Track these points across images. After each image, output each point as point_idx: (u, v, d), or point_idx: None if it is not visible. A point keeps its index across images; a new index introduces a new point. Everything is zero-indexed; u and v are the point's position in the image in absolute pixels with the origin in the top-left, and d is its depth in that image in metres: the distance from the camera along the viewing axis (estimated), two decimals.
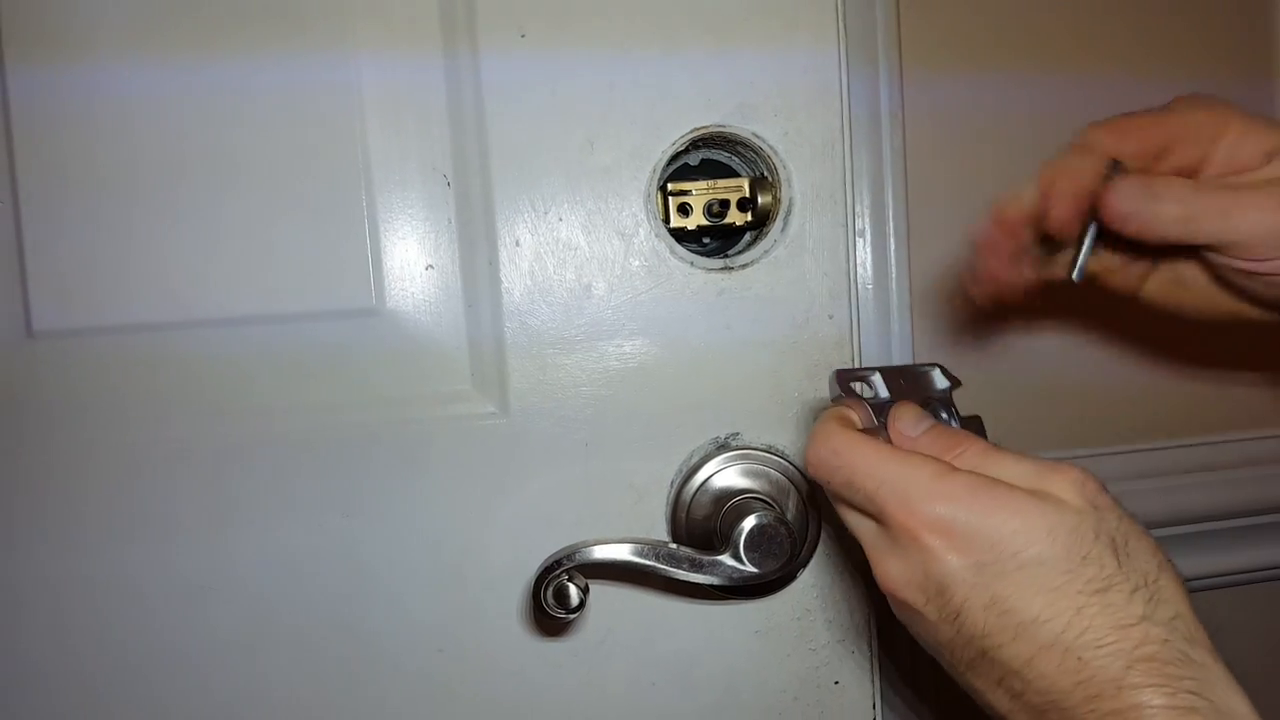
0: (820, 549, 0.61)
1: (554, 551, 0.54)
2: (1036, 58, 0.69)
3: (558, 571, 0.53)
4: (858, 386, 0.46)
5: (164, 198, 0.54)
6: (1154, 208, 0.44)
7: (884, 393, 0.45)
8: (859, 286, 0.64)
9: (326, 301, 0.56)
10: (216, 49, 0.54)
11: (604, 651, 0.60)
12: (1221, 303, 0.49)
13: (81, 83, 0.53)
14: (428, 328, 0.57)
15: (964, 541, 0.37)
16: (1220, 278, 0.48)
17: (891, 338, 0.66)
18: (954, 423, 0.46)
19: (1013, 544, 0.37)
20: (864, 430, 0.43)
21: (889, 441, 0.43)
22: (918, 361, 0.49)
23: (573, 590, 0.52)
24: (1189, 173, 0.46)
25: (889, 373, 0.46)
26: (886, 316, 0.66)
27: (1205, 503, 0.73)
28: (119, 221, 0.54)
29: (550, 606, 0.52)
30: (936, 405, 0.46)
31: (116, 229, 0.54)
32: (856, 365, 0.58)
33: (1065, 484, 0.38)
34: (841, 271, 0.58)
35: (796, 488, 0.59)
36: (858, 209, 0.64)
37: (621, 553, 0.53)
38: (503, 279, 0.56)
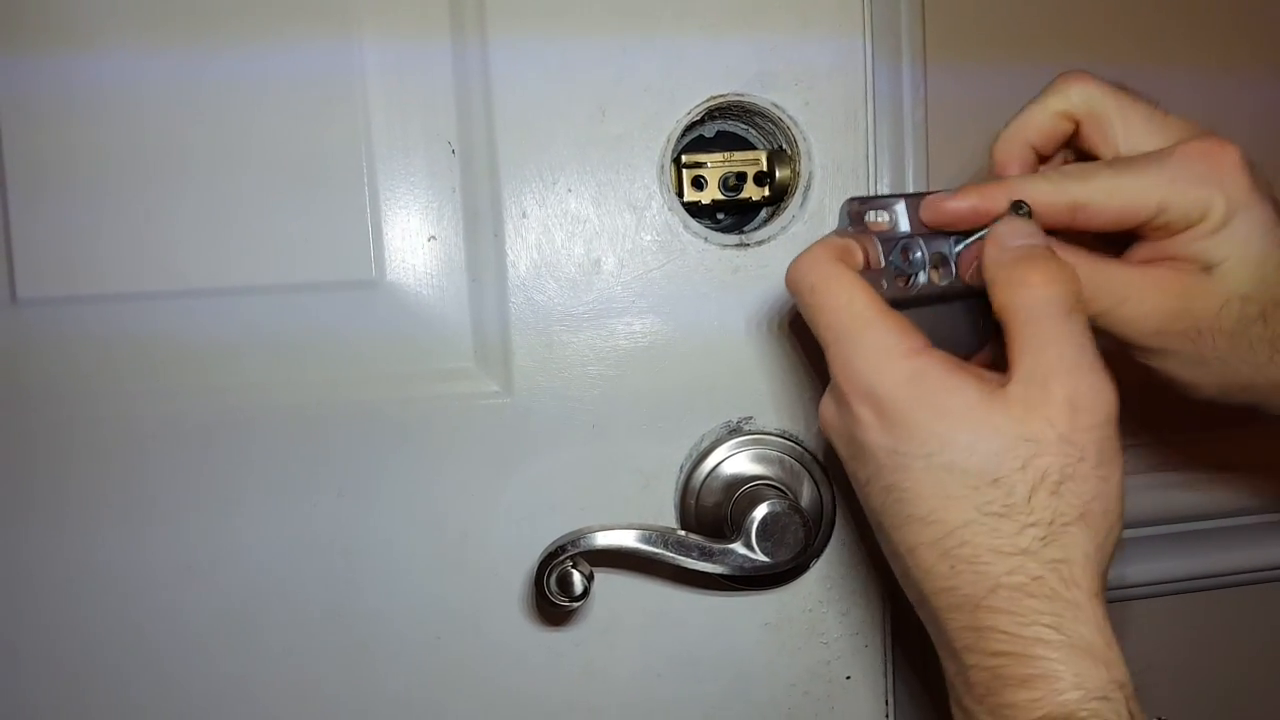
0: (834, 538, 0.58)
1: (558, 537, 0.52)
2: (1064, 38, 0.66)
3: (562, 558, 0.51)
4: (876, 216, 0.42)
5: (154, 165, 0.52)
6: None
7: (904, 226, 0.42)
8: None
9: (323, 273, 0.53)
10: (203, 14, 0.51)
11: (608, 641, 0.58)
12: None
13: (68, 55, 0.51)
14: (429, 302, 0.55)
15: (888, 423, 0.37)
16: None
17: None
18: None
19: (929, 444, 0.37)
20: (866, 269, 0.40)
21: (896, 281, 0.41)
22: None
23: (577, 577, 0.51)
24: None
25: (915, 202, 0.42)
26: None
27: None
28: (109, 188, 0.52)
29: (553, 594, 0.51)
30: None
31: (106, 196, 0.52)
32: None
33: (1058, 403, 0.36)
34: None
35: (811, 475, 0.57)
36: (880, 185, 0.61)
37: (628, 539, 0.52)
38: (508, 252, 0.54)
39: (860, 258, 0.41)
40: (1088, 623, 0.35)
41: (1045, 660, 0.35)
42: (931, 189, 0.63)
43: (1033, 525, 0.36)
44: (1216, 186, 0.39)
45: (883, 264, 0.41)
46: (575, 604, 0.51)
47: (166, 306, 0.53)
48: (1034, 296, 0.37)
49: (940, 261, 0.42)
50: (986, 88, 0.66)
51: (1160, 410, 0.64)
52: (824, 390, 0.42)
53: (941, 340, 0.40)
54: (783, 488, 0.55)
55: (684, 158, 0.55)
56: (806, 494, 0.57)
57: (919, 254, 0.41)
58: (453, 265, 0.55)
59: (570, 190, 0.54)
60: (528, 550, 0.54)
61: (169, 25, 0.51)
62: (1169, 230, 0.40)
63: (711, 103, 0.54)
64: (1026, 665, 0.35)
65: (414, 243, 0.54)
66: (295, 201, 0.53)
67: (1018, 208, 0.40)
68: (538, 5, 0.53)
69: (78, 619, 0.54)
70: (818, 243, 0.41)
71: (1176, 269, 0.41)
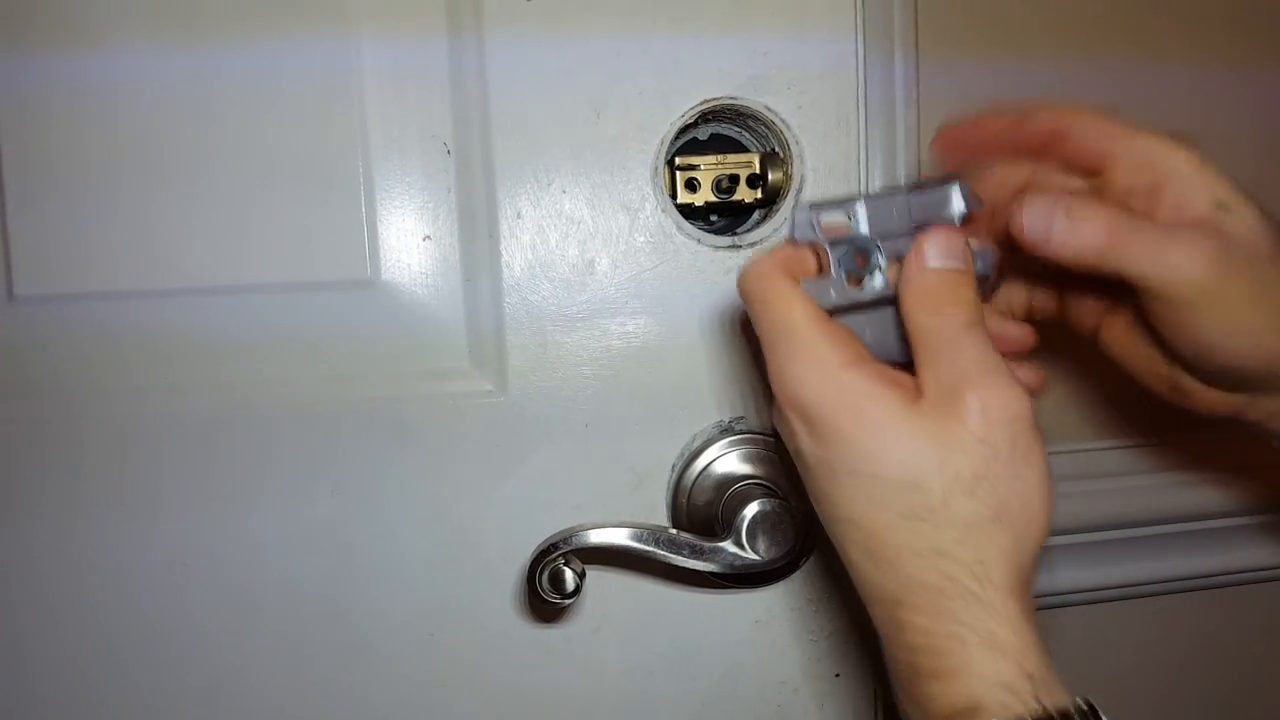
0: (824, 537, 0.59)
1: (551, 534, 0.52)
2: (1060, 42, 0.67)
3: (554, 555, 0.51)
4: (833, 218, 0.42)
5: (150, 164, 0.52)
6: (1074, 227, 0.40)
7: (863, 228, 0.42)
8: None
9: (319, 272, 0.54)
10: (199, 14, 0.52)
11: (600, 638, 0.58)
12: (1156, 365, 0.45)
13: (65, 54, 0.51)
14: (424, 301, 0.55)
15: (816, 433, 0.40)
16: (1148, 329, 0.44)
17: None
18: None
19: (852, 455, 0.39)
20: (817, 275, 0.41)
21: (847, 286, 0.41)
22: (938, 176, 0.43)
23: (569, 575, 0.51)
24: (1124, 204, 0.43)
25: (878, 203, 0.42)
26: None
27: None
28: (105, 186, 0.52)
29: (545, 591, 0.51)
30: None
31: (102, 194, 0.52)
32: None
33: (973, 407, 0.38)
34: None
35: None
36: (872, 189, 0.62)
37: (620, 537, 0.52)
38: (503, 252, 0.55)
39: (812, 264, 0.42)
40: (998, 618, 0.37)
41: (957, 655, 0.37)
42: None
43: (950, 526, 0.37)
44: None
45: (835, 274, 0.41)
46: (567, 601, 0.52)
47: (162, 304, 0.53)
48: (935, 320, 0.39)
49: (898, 261, 0.41)
50: (980, 92, 0.66)
51: (1150, 412, 0.65)
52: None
53: (898, 340, 0.41)
54: (773, 487, 0.56)
55: (677, 160, 0.56)
56: (797, 493, 0.57)
57: (874, 256, 0.42)
58: (448, 265, 0.55)
59: (565, 191, 0.55)
60: (521, 547, 0.55)
61: (165, 25, 0.52)
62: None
63: (705, 105, 0.55)
64: (940, 659, 0.37)
65: (409, 243, 0.55)
66: (292, 200, 0.53)
67: (963, 190, 0.41)
68: (534, 8, 0.53)
69: (80, 612, 0.54)
70: (766, 255, 0.42)
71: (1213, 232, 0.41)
